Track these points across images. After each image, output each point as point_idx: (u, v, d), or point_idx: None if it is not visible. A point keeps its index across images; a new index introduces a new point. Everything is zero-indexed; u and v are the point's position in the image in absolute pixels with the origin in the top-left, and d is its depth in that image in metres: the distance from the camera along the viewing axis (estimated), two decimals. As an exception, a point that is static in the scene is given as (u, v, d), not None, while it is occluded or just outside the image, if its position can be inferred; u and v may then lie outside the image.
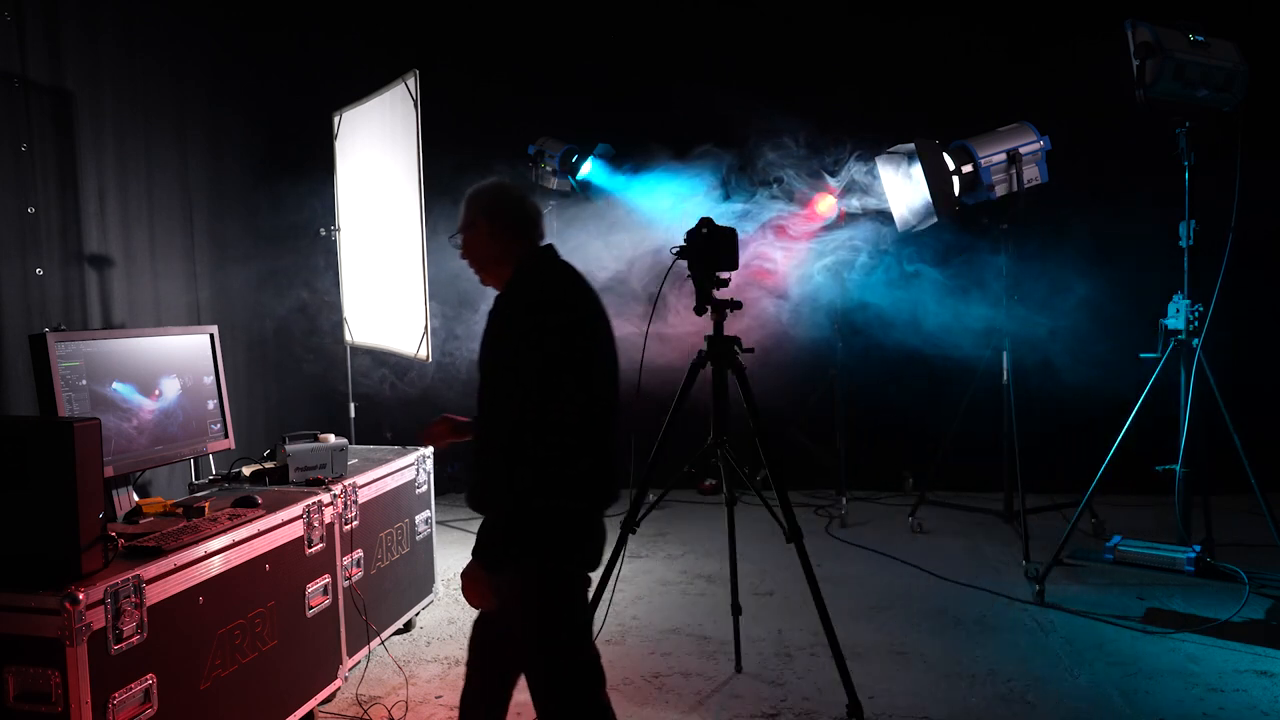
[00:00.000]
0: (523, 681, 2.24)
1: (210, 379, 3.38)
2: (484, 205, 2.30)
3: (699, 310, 3.22)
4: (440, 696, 3.35)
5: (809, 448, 6.18)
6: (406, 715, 3.22)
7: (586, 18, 6.48)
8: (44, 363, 2.74)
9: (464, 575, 2.14)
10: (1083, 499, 4.37)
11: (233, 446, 3.48)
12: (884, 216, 5.07)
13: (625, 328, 5.70)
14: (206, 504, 2.88)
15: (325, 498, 3.19)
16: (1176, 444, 4.05)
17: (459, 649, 3.75)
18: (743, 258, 3.30)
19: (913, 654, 3.68)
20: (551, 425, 2.03)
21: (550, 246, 2.33)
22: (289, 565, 2.96)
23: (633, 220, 5.54)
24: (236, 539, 2.70)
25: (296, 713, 2.97)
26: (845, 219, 5.39)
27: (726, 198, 5.26)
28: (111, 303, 4.11)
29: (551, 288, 2.23)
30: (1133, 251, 5.43)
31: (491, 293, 2.30)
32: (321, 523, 3.15)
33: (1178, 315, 4.08)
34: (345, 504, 3.32)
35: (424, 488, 4.08)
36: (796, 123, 5.18)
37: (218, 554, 2.62)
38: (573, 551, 2.16)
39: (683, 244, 3.21)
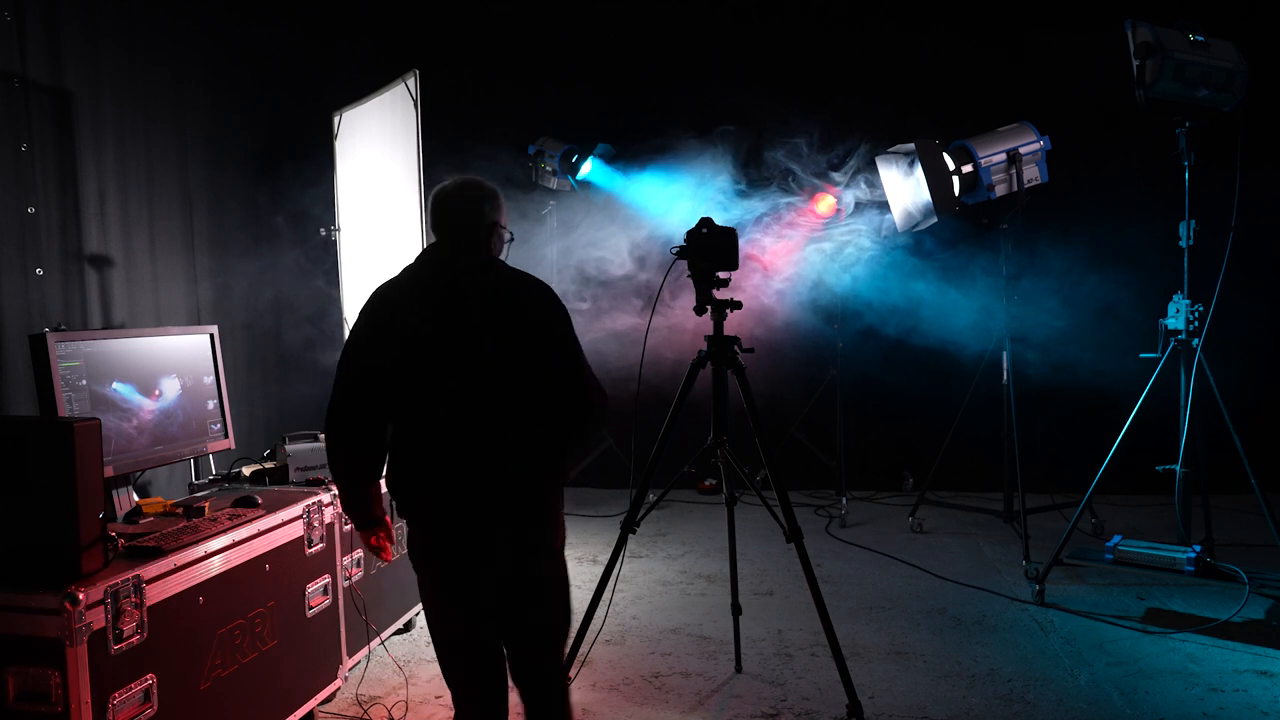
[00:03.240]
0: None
1: (210, 379, 3.38)
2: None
3: (699, 310, 3.22)
4: (440, 696, 3.34)
5: (809, 448, 6.19)
6: (406, 715, 3.22)
7: (587, 16, 6.49)
8: (44, 363, 2.74)
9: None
10: (1083, 499, 4.37)
11: (233, 446, 3.47)
12: (885, 214, 5.08)
13: (629, 320, 5.75)
14: (206, 504, 2.88)
15: (325, 497, 3.19)
16: (1176, 444, 4.05)
17: (459, 649, 3.74)
18: (743, 256, 3.30)
19: (913, 654, 3.68)
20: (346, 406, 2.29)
21: (430, 245, 2.44)
22: (289, 565, 2.96)
23: (641, 216, 5.55)
24: (236, 539, 2.70)
25: (297, 713, 2.97)
26: (845, 218, 5.39)
27: (737, 189, 5.27)
28: (111, 303, 4.10)
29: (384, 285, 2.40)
30: (1132, 251, 5.43)
31: None
32: (321, 522, 3.15)
33: (1178, 315, 4.08)
34: (345, 504, 3.32)
35: (424, 488, 4.07)
36: (798, 123, 5.19)
37: (218, 554, 2.62)
38: (406, 507, 2.36)
39: (682, 244, 3.21)
